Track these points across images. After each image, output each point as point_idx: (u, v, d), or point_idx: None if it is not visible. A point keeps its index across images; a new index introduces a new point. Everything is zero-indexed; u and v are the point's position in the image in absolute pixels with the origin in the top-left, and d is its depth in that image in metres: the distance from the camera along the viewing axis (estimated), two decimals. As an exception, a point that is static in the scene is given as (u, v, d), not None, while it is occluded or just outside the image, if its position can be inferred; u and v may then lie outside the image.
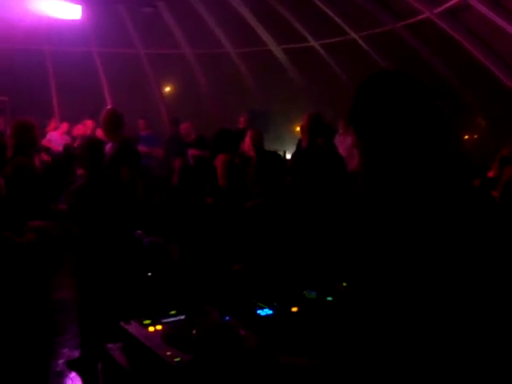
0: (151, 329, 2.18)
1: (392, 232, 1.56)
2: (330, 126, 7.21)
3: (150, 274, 5.48)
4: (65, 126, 10.86)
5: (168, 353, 1.94)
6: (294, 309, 2.43)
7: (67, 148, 9.04)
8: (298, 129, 7.77)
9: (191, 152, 8.18)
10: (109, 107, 6.75)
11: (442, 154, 1.59)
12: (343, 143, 8.95)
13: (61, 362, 5.01)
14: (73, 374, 4.78)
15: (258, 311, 2.40)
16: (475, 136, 12.24)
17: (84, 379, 4.66)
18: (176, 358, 1.89)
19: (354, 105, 1.68)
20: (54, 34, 12.64)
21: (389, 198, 1.61)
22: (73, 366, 4.88)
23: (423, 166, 1.57)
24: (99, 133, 8.88)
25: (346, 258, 1.78)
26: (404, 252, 1.52)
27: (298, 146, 7.44)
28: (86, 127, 10.95)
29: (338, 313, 1.82)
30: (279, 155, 4.44)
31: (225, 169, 5.47)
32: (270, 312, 2.40)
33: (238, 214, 4.25)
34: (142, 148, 9.42)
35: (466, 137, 12.36)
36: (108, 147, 6.15)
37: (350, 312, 1.64)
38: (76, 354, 5.02)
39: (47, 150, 8.90)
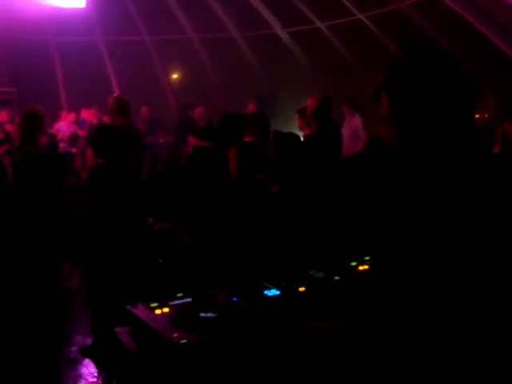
0: (158, 311, 2.18)
1: (421, 200, 1.63)
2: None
3: (160, 260, 5.51)
4: (72, 116, 10.87)
5: (175, 335, 1.94)
6: (302, 289, 2.42)
7: (73, 137, 9.05)
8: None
9: (191, 141, 8.14)
10: (115, 95, 6.74)
11: (468, 126, 1.70)
12: (348, 126, 8.91)
13: (74, 349, 5.04)
14: (86, 361, 4.81)
15: (265, 292, 2.39)
16: (486, 115, 12.14)
17: (97, 365, 4.69)
18: (182, 339, 1.89)
19: (392, 76, 1.79)
20: (59, 23, 12.62)
21: (418, 167, 1.70)
22: (86, 352, 4.91)
23: (450, 136, 1.68)
24: (106, 120, 8.88)
25: (371, 228, 1.84)
26: (432, 219, 1.60)
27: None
28: (91, 115, 10.95)
29: (367, 282, 1.86)
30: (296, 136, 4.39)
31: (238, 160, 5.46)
32: (278, 292, 2.40)
33: (251, 200, 4.23)
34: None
35: (477, 116, 12.26)
36: None
37: (380, 281, 1.70)
38: (89, 340, 5.05)
39: (53, 137, 8.88)
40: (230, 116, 5.97)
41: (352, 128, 8.86)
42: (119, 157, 4.91)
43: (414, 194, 1.65)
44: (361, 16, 12.50)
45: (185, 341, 1.87)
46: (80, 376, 4.61)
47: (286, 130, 6.51)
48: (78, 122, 10.58)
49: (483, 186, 1.61)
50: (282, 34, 14.18)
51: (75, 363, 4.83)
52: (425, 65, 1.72)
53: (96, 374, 4.59)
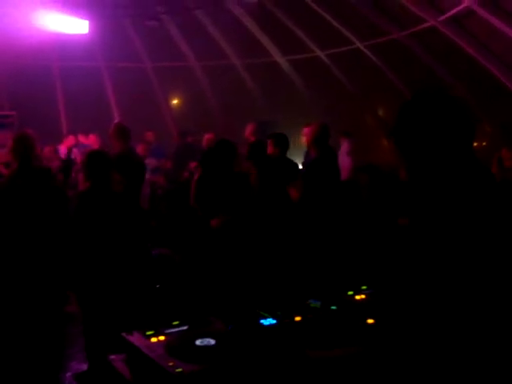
0: (154, 339, 2.17)
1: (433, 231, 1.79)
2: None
3: (158, 285, 5.50)
4: (71, 139, 10.87)
5: (170, 363, 1.93)
6: (298, 318, 2.42)
7: (66, 160, 9.08)
8: (305, 139, 7.74)
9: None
10: (116, 121, 6.81)
11: (471, 162, 1.86)
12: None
13: (69, 375, 5.00)
14: (80, 387, 4.77)
15: (262, 321, 2.39)
16: (483, 143, 12.20)
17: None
18: (178, 368, 1.88)
19: (398, 122, 1.92)
20: (61, 48, 12.72)
21: (431, 200, 1.85)
22: (80, 379, 4.88)
23: (457, 170, 1.82)
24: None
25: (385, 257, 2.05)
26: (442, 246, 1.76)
27: (307, 156, 7.44)
28: (89, 140, 10.97)
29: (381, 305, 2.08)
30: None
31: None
32: (274, 321, 2.39)
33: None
34: (151, 161, 9.46)
35: (475, 144, 12.30)
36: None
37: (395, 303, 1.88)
38: (84, 367, 5.02)
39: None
40: (222, 142, 6.03)
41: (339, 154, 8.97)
42: (105, 181, 4.97)
43: (431, 226, 1.79)
44: (360, 45, 12.61)
45: (180, 370, 1.86)
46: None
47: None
48: (78, 146, 10.60)
49: (490, 212, 1.76)
50: (282, 61, 14.30)
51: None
52: (430, 108, 1.85)
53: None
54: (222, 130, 11.64)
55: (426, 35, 11.39)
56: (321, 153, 6.13)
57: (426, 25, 11.05)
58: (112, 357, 2.29)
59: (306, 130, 6.50)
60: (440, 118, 1.83)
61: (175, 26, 13.90)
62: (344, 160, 8.95)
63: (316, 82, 13.86)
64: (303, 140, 7.79)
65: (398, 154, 1.92)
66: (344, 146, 9.70)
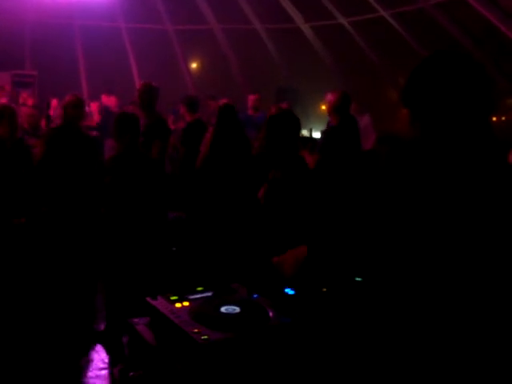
0: (178, 305, 2.16)
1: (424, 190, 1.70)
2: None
3: (174, 248, 5.52)
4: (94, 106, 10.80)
5: (195, 330, 1.92)
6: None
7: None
8: (324, 107, 7.70)
9: None
10: (144, 82, 6.69)
11: (484, 129, 1.72)
12: (358, 124, 8.91)
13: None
14: (98, 347, 4.83)
15: (286, 290, 2.37)
16: (503, 118, 12.03)
17: (109, 352, 4.71)
18: (203, 335, 1.87)
19: (409, 80, 1.80)
20: (82, 7, 12.64)
21: (429, 166, 1.74)
22: (98, 338, 4.94)
23: (468, 137, 1.70)
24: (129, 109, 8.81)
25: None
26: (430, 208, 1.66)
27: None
28: (110, 101, 10.88)
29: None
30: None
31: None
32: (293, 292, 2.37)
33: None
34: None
35: (494, 118, 12.12)
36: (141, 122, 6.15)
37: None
38: (101, 326, 5.07)
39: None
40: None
41: (361, 127, 8.88)
42: (136, 145, 4.94)
43: (420, 190, 1.69)
44: (384, 13, 12.39)
45: (206, 337, 1.85)
46: (91, 361, 4.64)
47: (304, 122, 6.51)
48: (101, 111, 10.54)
49: (491, 187, 1.64)
50: (304, 27, 14.10)
51: (87, 349, 4.85)
52: (447, 66, 1.73)
53: (106, 361, 4.61)
54: (242, 94, 11.54)
55: (452, 6, 11.17)
56: (341, 121, 6.13)
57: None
58: (135, 320, 2.29)
59: (329, 97, 6.44)
60: (456, 78, 1.70)
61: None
62: (370, 132, 8.89)
63: (338, 50, 13.69)
64: (324, 107, 7.76)
65: (409, 117, 1.82)
66: (366, 120, 9.58)
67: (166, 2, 13.97)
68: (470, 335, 1.60)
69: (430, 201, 1.66)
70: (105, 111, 9.66)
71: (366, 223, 1.83)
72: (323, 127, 7.89)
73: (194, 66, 15.55)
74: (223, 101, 9.33)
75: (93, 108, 9.90)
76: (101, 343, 4.86)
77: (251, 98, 8.15)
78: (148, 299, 2.22)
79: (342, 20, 13.29)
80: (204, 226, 5.76)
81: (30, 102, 9.96)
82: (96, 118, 9.43)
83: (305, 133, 8.00)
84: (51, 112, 9.25)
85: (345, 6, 12.98)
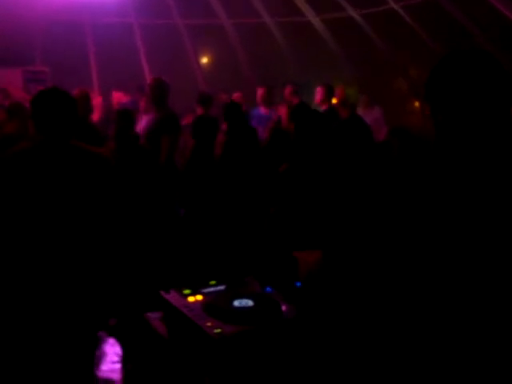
0: (191, 299, 2.18)
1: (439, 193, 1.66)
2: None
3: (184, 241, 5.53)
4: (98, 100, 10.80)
5: (208, 323, 1.94)
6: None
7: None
8: (335, 101, 7.68)
9: None
10: (155, 76, 6.70)
11: (503, 127, 1.70)
12: (369, 116, 8.92)
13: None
14: (111, 340, 4.86)
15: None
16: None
17: (122, 345, 4.74)
18: (217, 329, 1.89)
19: (430, 77, 1.80)
20: (94, 3, 12.67)
21: (449, 165, 1.70)
22: (111, 331, 4.96)
23: (485, 138, 1.68)
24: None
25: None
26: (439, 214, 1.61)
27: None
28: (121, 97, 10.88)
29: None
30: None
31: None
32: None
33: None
34: None
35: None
36: (150, 117, 6.16)
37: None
38: (112, 320, 5.09)
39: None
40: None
41: (372, 119, 8.89)
42: (131, 140, 4.98)
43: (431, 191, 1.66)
44: (395, 6, 12.33)
45: (219, 331, 1.86)
46: (104, 354, 4.67)
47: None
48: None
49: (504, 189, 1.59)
50: (315, 21, 14.05)
51: (99, 341, 4.88)
52: (465, 66, 1.73)
53: (120, 354, 4.64)
54: (253, 89, 11.55)
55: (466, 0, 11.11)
56: (351, 113, 6.16)
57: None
58: (149, 314, 2.31)
59: (338, 91, 6.54)
60: (476, 74, 1.71)
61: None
62: (382, 124, 8.91)
63: (349, 43, 13.64)
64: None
65: (428, 112, 1.81)
66: (377, 112, 9.61)
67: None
68: (472, 340, 1.58)
69: (450, 202, 1.63)
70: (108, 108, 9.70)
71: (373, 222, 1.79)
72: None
73: (204, 60, 15.53)
74: (236, 95, 9.34)
75: (94, 103, 9.90)
76: (115, 336, 4.89)
77: (259, 92, 8.06)
78: (161, 293, 2.24)
79: (353, 12, 13.23)
80: (218, 220, 5.78)
81: None
82: (97, 113, 9.44)
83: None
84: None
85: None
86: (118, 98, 10.51)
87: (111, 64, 13.05)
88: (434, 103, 1.78)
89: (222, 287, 2.30)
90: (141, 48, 14.31)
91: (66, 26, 12.61)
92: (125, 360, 4.53)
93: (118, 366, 4.48)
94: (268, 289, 2.28)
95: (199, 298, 2.18)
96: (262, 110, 7.71)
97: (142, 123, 6.19)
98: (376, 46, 13.16)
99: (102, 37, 12.99)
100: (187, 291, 2.24)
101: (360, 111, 8.36)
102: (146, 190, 4.85)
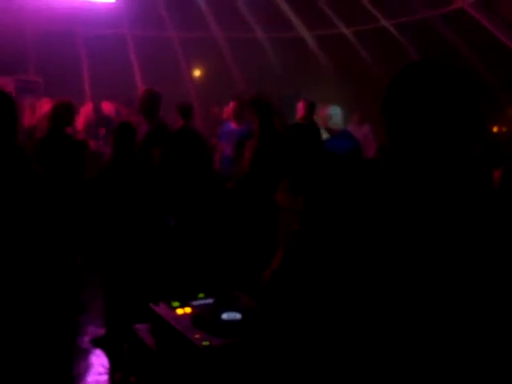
0: (180, 311, 2.20)
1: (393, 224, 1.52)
2: None
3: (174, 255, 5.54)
4: (89, 107, 10.77)
5: (196, 336, 1.96)
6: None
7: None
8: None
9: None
10: (147, 88, 6.70)
11: (463, 147, 1.54)
12: (359, 132, 8.97)
13: (86, 339, 5.08)
14: (98, 352, 4.85)
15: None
16: (503, 129, 12.05)
17: (109, 357, 4.73)
18: (205, 341, 1.91)
19: (387, 95, 1.66)
20: (87, 16, 12.71)
21: (402, 188, 1.57)
22: (98, 343, 4.96)
23: (441, 157, 1.53)
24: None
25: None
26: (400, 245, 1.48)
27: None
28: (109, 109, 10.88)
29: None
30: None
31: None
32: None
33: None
34: None
35: (495, 129, 12.15)
36: (142, 129, 6.17)
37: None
38: (101, 331, 5.09)
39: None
40: None
41: (362, 135, 8.95)
42: (128, 151, 5.03)
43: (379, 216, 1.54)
44: (386, 24, 12.47)
45: (207, 343, 1.89)
46: (90, 366, 4.66)
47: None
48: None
49: (453, 215, 1.47)
50: (307, 37, 14.18)
51: (86, 353, 4.87)
52: (427, 74, 1.57)
53: (107, 365, 4.63)
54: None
55: (454, 17, 11.24)
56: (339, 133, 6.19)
57: (454, 6, 10.91)
58: (137, 326, 2.33)
59: (319, 112, 6.51)
60: (434, 87, 1.53)
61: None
62: (368, 140, 8.96)
63: (340, 60, 13.75)
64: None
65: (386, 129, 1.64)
66: (366, 129, 9.64)
67: (170, 9, 14.04)
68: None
69: (395, 229, 1.50)
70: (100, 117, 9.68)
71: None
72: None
73: (196, 73, 15.59)
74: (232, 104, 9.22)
75: (82, 111, 9.89)
76: (102, 348, 4.89)
77: (231, 106, 7.51)
78: (150, 305, 2.26)
79: (344, 29, 13.37)
80: (208, 232, 5.78)
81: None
82: (81, 122, 9.42)
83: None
84: None
85: (347, 15, 13.05)
86: (107, 107, 10.53)
87: (104, 75, 13.07)
88: (387, 119, 1.63)
89: (210, 300, 2.32)
90: (134, 59, 14.35)
91: (60, 36, 12.64)
92: (112, 371, 4.52)
93: (105, 377, 4.48)
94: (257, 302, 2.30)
95: (188, 310, 2.21)
96: (233, 125, 7.44)
97: None
98: (367, 63, 13.29)
99: (95, 48, 13.02)
100: (176, 303, 2.27)
101: (350, 128, 8.40)
102: (137, 201, 4.88)
